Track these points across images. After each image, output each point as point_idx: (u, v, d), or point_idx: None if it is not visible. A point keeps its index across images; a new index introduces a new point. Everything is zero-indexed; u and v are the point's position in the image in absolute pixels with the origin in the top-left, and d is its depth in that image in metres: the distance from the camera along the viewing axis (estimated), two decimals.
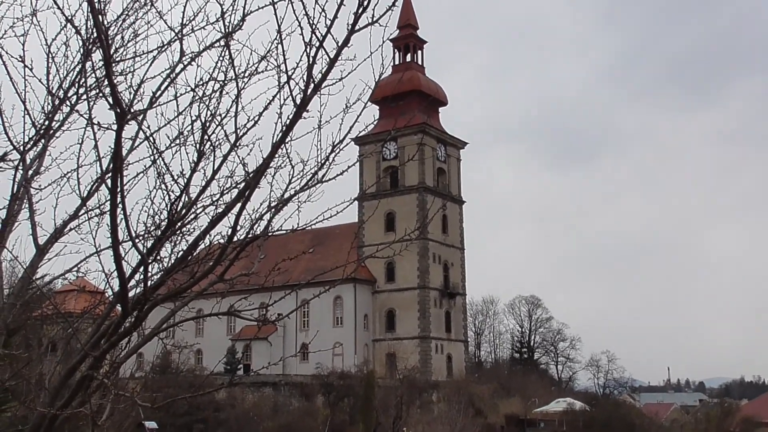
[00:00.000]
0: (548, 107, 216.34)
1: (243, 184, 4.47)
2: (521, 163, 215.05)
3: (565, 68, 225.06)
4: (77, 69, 5.42)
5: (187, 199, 4.48)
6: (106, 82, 4.46)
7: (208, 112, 4.61)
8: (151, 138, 4.67)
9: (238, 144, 4.56)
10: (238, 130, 4.56)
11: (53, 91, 5.56)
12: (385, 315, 71.84)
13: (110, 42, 4.31)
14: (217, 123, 4.60)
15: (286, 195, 4.52)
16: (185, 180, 4.48)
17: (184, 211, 4.47)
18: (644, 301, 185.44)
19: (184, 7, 4.65)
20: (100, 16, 3.86)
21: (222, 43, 4.62)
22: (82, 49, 5.13)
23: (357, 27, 4.24)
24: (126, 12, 5.21)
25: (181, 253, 4.53)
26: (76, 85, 5.49)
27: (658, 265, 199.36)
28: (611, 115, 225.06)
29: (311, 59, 4.24)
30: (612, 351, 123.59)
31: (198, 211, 4.55)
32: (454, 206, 75.82)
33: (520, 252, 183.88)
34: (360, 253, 60.76)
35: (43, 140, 5.76)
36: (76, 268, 5.98)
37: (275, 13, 4.22)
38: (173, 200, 4.43)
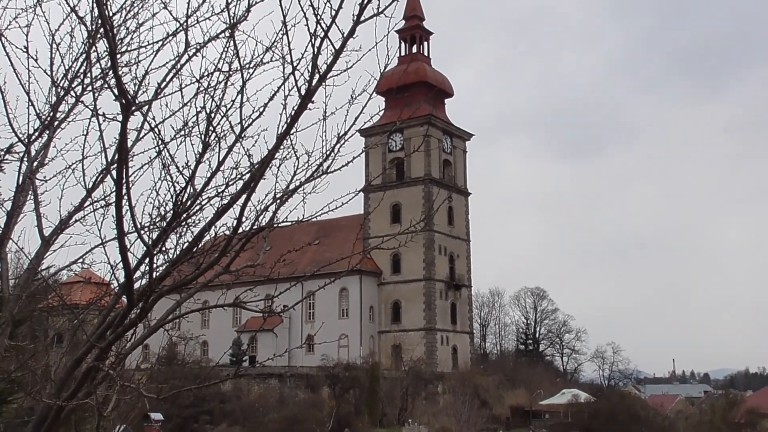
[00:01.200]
0: (556, 98, 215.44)
1: (248, 175, 4.46)
2: (529, 155, 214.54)
3: (574, 59, 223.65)
4: (82, 60, 5.42)
5: (192, 190, 4.48)
6: (110, 73, 4.45)
7: (213, 103, 4.60)
8: (156, 129, 4.67)
9: (243, 135, 4.55)
10: (243, 121, 4.54)
11: (58, 83, 5.56)
12: (390, 307, 71.97)
13: (115, 32, 4.29)
14: (222, 114, 4.58)
15: (292, 186, 4.51)
16: (190, 171, 4.48)
17: (189, 202, 4.46)
18: (649, 293, 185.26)
19: None
20: (104, 6, 3.85)
21: (227, 34, 4.60)
22: (86, 40, 5.12)
23: (362, 18, 4.21)
24: (130, 2, 5.19)
25: (186, 244, 4.53)
26: (81, 76, 5.48)
27: (665, 257, 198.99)
28: (621, 107, 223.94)
29: (316, 50, 4.22)
30: (617, 343, 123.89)
31: (203, 203, 4.55)
32: (459, 198, 75.73)
33: (526, 244, 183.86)
34: (366, 245, 60.82)
35: (47, 132, 5.76)
36: (81, 260, 6.00)
37: (280, 4, 4.20)
38: (178, 191, 4.43)
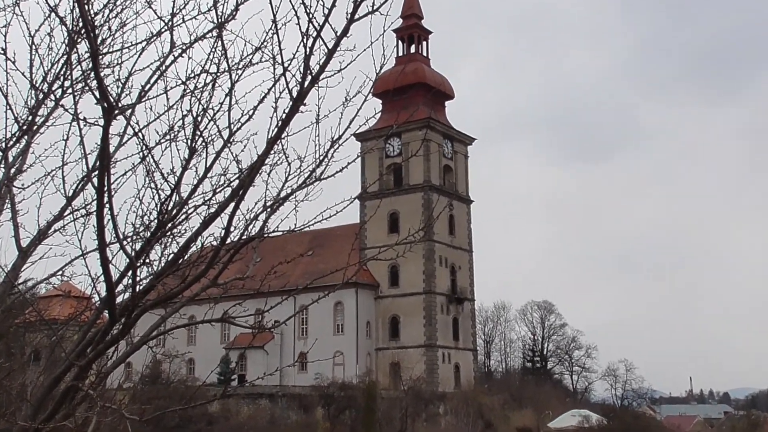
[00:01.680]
0: (563, 99, 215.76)
1: (237, 182, 4.49)
2: (534, 160, 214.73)
3: (581, 59, 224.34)
4: (62, 61, 5.46)
5: (177, 198, 4.51)
6: (92, 75, 4.49)
7: (200, 107, 4.63)
8: (139, 134, 4.70)
9: (231, 140, 4.59)
10: (232, 125, 4.58)
11: (37, 85, 5.59)
12: (388, 322, 71.84)
13: (96, 33, 4.34)
14: (209, 118, 4.62)
15: (283, 194, 4.55)
16: (176, 178, 4.51)
17: (174, 211, 4.49)
18: (665, 307, 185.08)
19: None
20: (86, 6, 3.89)
21: (214, 33, 4.64)
22: (67, 41, 5.16)
23: (356, 16, 4.26)
24: (113, 1, 5.23)
25: (171, 255, 4.55)
26: (61, 78, 5.52)
27: (680, 268, 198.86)
28: (631, 109, 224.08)
29: (308, 50, 4.26)
30: (630, 360, 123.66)
31: (189, 211, 4.58)
32: (461, 206, 75.80)
33: (532, 254, 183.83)
34: (362, 256, 60.73)
35: (26, 137, 5.78)
36: (60, 272, 6.02)
37: (270, 2, 4.25)
38: (163, 200, 4.46)
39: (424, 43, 79.00)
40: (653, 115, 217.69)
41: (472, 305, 77.18)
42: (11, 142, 5.77)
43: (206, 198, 4.59)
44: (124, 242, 4.33)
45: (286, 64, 4.36)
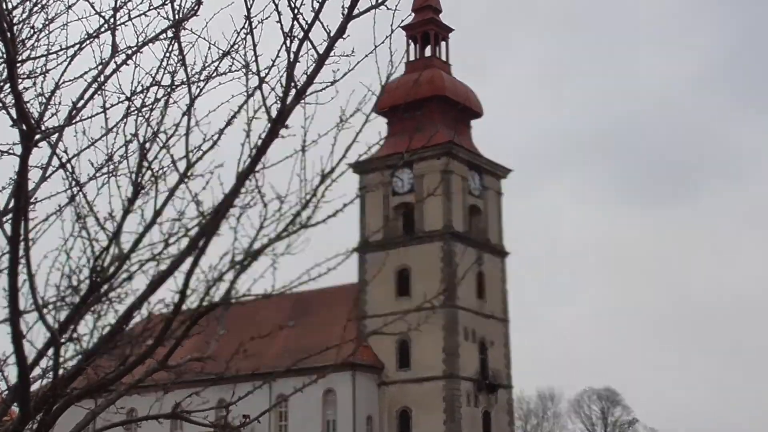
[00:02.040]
0: (631, 119, 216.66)
1: (196, 229, 4.50)
2: (590, 199, 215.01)
3: (654, 66, 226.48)
4: None
5: (117, 251, 4.51)
6: (7, 88, 4.54)
7: (149, 130, 4.67)
8: (68, 165, 4.73)
9: (189, 174, 4.61)
10: (190, 154, 4.61)
11: None
12: (396, 416, 71.15)
13: (15, 32, 4.41)
14: (160, 144, 4.65)
15: (257, 245, 4.54)
16: (115, 224, 4.52)
17: (112, 268, 4.49)
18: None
19: None
20: None
21: (170, 33, 4.71)
22: None
23: (356, 11, 4.32)
24: None
25: (107, 328, 4.53)
26: None
27: None
28: (721, 131, 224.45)
29: (293, 56, 4.31)
30: None
31: (133, 269, 4.57)
32: (493, 260, 75.78)
33: (590, 326, 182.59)
34: (361, 328, 60.47)
35: None
36: None
37: None
38: (98, 253, 4.46)
39: (443, 44, 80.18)
40: (754, 137, 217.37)
41: (509, 394, 76.45)
42: None
43: (155, 251, 4.59)
44: (45, 310, 4.32)
45: (262, 74, 4.42)
